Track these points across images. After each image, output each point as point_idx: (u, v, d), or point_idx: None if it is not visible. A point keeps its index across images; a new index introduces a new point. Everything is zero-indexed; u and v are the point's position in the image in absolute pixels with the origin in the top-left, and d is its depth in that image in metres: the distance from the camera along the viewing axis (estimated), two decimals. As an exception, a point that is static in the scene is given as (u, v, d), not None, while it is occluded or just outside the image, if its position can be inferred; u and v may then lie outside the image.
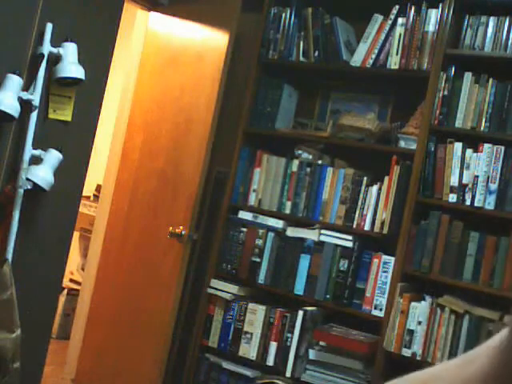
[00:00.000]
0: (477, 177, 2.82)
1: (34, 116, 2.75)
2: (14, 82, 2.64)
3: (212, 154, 3.31)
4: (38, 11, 2.76)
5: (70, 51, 2.80)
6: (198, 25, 3.49)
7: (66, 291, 4.68)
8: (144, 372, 3.34)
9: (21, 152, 2.75)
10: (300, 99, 3.53)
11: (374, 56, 3.14)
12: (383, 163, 3.04)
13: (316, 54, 3.29)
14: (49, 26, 2.77)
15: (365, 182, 3.10)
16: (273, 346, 3.16)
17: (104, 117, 3.25)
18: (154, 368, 3.29)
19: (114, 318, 3.51)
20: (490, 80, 2.86)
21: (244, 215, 3.34)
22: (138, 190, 3.56)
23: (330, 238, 3.11)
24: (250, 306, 3.24)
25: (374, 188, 3.07)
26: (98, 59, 3.06)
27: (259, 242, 3.27)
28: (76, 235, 4.79)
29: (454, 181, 2.87)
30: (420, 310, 2.86)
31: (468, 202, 2.83)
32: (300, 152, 3.30)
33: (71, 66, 2.79)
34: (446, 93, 2.93)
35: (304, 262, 3.16)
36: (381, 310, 2.95)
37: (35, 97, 2.73)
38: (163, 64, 3.59)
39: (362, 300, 3.02)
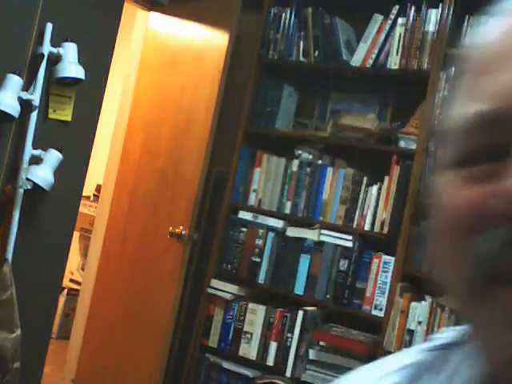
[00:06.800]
0: (477, 177, 2.82)
1: (33, 116, 2.75)
2: (14, 82, 2.64)
3: (212, 154, 3.31)
4: (38, 11, 2.76)
5: (70, 51, 2.80)
6: (198, 25, 3.49)
7: (66, 291, 4.68)
8: (144, 372, 3.34)
9: (21, 152, 2.75)
10: (300, 99, 3.53)
11: (373, 56, 3.14)
12: (383, 163, 3.04)
13: (316, 54, 3.29)
14: (49, 26, 2.77)
15: (365, 181, 3.10)
16: (273, 346, 3.16)
17: (104, 117, 3.25)
18: (154, 368, 3.29)
19: (114, 318, 3.51)
20: (490, 80, 2.86)
21: (244, 215, 3.34)
22: (137, 190, 3.56)
23: (330, 237, 3.11)
24: (250, 305, 3.24)
25: (374, 188, 3.06)
26: (97, 59, 3.06)
27: (259, 241, 3.27)
28: (76, 235, 4.79)
29: (454, 181, 2.86)
30: (420, 310, 2.85)
31: (468, 202, 2.82)
32: (300, 152, 3.30)
33: (71, 66, 2.79)
34: (446, 93, 2.93)
35: (304, 261, 3.16)
36: (381, 309, 2.95)
37: (35, 97, 2.73)
38: (163, 64, 3.59)
39: (362, 300, 3.02)
